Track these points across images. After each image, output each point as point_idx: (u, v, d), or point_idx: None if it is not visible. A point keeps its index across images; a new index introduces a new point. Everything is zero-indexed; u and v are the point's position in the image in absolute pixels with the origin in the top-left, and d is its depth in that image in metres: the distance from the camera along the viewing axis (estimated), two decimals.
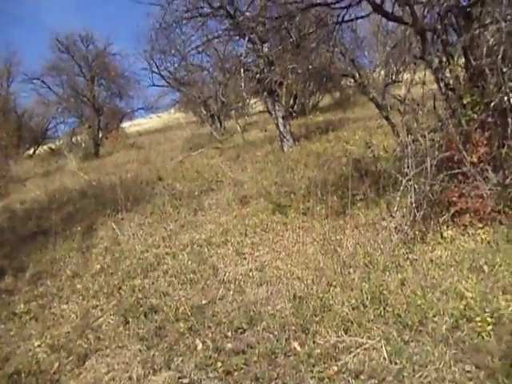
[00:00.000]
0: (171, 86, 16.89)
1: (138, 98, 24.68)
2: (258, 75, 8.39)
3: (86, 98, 19.20)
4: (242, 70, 8.35)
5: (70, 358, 2.98)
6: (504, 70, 3.22)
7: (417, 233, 3.64)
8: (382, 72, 14.49)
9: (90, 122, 18.68)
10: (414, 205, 3.65)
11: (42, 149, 21.43)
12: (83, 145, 18.47)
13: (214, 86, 13.42)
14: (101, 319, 3.45)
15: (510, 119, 3.29)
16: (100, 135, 19.04)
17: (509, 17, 3.19)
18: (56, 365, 2.95)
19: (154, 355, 2.85)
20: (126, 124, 24.50)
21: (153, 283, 3.98)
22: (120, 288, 3.96)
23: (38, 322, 3.62)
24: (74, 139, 19.88)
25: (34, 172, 14.48)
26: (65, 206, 7.75)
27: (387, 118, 5.75)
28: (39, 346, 3.21)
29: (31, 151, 21.41)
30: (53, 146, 20.54)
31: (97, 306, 3.72)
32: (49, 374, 2.85)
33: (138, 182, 8.46)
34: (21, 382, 2.81)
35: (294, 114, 15.49)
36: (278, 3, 5.04)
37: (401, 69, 13.96)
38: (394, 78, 14.38)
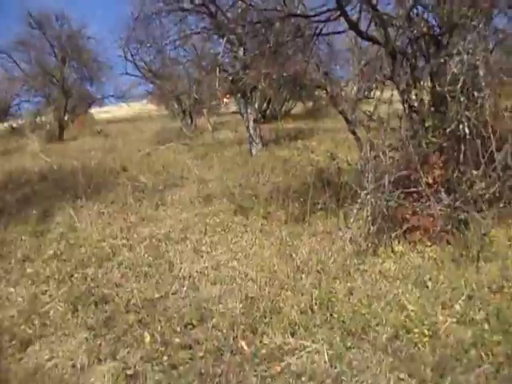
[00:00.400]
0: (145, 76, 16.66)
1: (109, 85, 24.20)
2: (232, 76, 8.44)
3: (55, 79, 18.62)
4: (217, 70, 8.39)
5: (13, 343, 2.92)
6: (461, 99, 3.42)
7: (369, 245, 3.79)
8: (355, 87, 14.90)
9: (56, 103, 18.12)
10: (369, 218, 3.80)
11: (3, 126, 20.57)
12: (47, 126, 17.85)
13: (188, 82, 13.34)
14: (49, 305, 3.38)
15: (462, 146, 3.50)
16: (66, 118, 18.50)
17: (470, 50, 3.40)
18: None
19: (100, 345, 2.83)
20: (94, 110, 23.96)
21: (106, 273, 3.94)
22: (72, 275, 3.90)
23: None
24: (38, 119, 19.21)
25: None
26: (22, 188, 7.50)
27: (354, 133, 5.91)
28: None
29: None
30: (14, 125, 19.76)
31: (46, 291, 3.65)
32: None
33: (102, 170, 8.31)
34: None
35: (265, 118, 15.63)
36: (259, 9, 5.13)
37: (373, 86, 14.40)
38: (365, 93, 14.79)
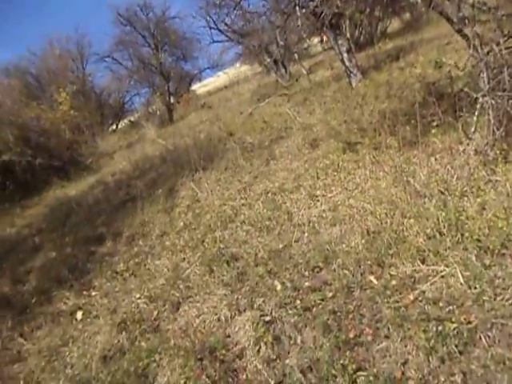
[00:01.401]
0: (231, 39, 16.72)
1: (202, 58, 24.93)
2: (313, 10, 7.96)
3: (154, 67, 19.77)
4: (297, 8, 7.98)
5: (166, 307, 3.31)
6: None
7: (498, 152, 3.35)
8: None
9: (160, 89, 19.32)
10: (492, 122, 3.34)
11: (123, 123, 22.71)
12: (158, 112, 19.23)
13: (273, 31, 13.00)
14: (188, 270, 3.74)
15: None
16: (172, 101, 19.66)
17: None
18: (155, 313, 3.30)
19: (237, 298, 3.05)
20: (195, 86, 24.97)
21: (232, 234, 4.18)
22: (203, 241, 4.22)
23: (137, 278, 4.03)
24: (149, 109, 20.76)
25: (119, 145, 15.46)
26: (148, 173, 8.26)
27: (459, 31, 5.18)
28: (139, 298, 3.59)
29: (114, 126, 22.81)
30: (132, 119, 21.67)
31: (184, 259, 4.02)
32: (149, 321, 3.20)
33: (211, 140, 8.69)
34: (128, 329, 3.19)
35: (361, 46, 14.58)
36: None
37: None
38: None
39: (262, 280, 3.15)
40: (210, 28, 15.88)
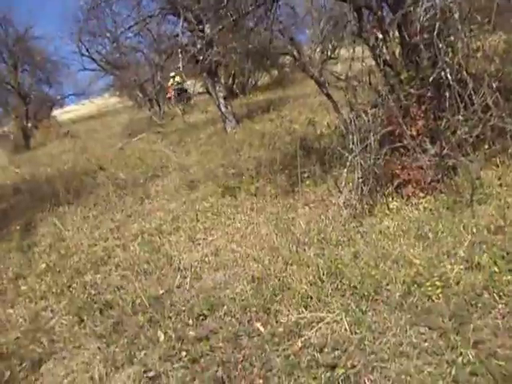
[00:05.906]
0: (104, 69, 16.09)
1: (68, 84, 23.41)
2: (196, 56, 8.17)
3: (10, 86, 17.84)
4: (179, 51, 8.11)
5: (23, 365, 2.82)
6: (440, 45, 3.35)
7: (365, 206, 3.77)
8: (318, 49, 14.67)
9: (16, 111, 17.42)
10: (360, 180, 3.76)
11: None
12: (11, 136, 17.20)
13: (150, 69, 12.92)
14: (53, 321, 3.29)
15: (447, 93, 3.45)
16: (30, 125, 17.84)
17: None
18: (7, 374, 2.78)
19: (114, 352, 2.76)
20: (57, 112, 23.17)
21: (105, 278, 3.84)
22: (70, 286, 3.78)
23: None
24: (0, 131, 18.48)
25: None
26: None
27: (328, 95, 5.84)
28: None
29: None
30: None
31: (46, 307, 3.53)
32: None
33: (78, 172, 8.05)
34: None
35: (232, 94, 15.34)
36: None
37: (336, 45, 14.17)
38: (330, 54, 14.61)
39: (142, 330, 2.92)
40: (82, 55, 15.09)
